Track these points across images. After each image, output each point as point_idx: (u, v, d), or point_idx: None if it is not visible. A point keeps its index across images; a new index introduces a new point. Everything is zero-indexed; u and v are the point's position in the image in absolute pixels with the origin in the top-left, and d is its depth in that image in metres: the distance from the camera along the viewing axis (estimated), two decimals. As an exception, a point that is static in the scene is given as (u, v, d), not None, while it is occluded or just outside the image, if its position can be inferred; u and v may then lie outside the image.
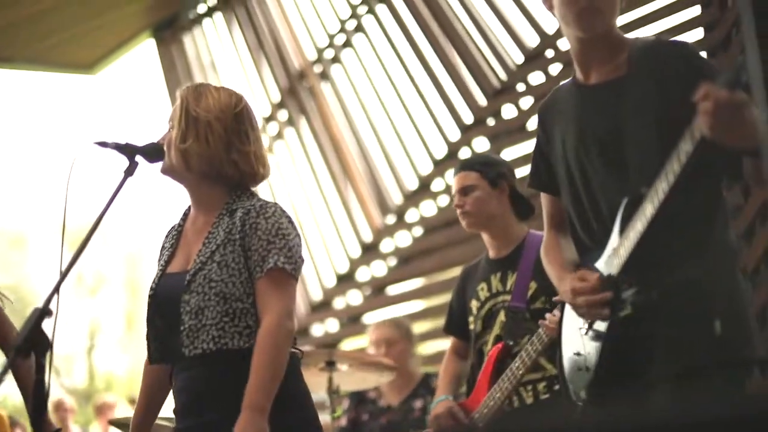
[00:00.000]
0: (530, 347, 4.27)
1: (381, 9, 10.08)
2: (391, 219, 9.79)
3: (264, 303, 3.33)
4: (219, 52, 11.80)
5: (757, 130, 2.54)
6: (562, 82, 3.49)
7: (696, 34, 7.10)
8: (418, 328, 9.12)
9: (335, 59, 10.55)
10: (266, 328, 3.29)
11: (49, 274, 25.03)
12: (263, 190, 9.28)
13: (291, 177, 10.81)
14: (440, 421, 4.62)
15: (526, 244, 4.56)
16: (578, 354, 3.23)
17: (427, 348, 9.65)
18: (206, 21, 11.89)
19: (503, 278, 4.60)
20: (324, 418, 3.70)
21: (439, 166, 9.25)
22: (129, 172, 3.31)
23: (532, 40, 8.70)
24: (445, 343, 10.04)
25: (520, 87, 8.76)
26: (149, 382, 3.63)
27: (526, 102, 8.55)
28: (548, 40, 8.50)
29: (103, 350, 30.60)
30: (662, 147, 2.88)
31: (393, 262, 9.69)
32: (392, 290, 9.71)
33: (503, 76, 8.92)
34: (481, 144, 8.97)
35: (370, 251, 9.91)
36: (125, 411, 11.76)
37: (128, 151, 3.33)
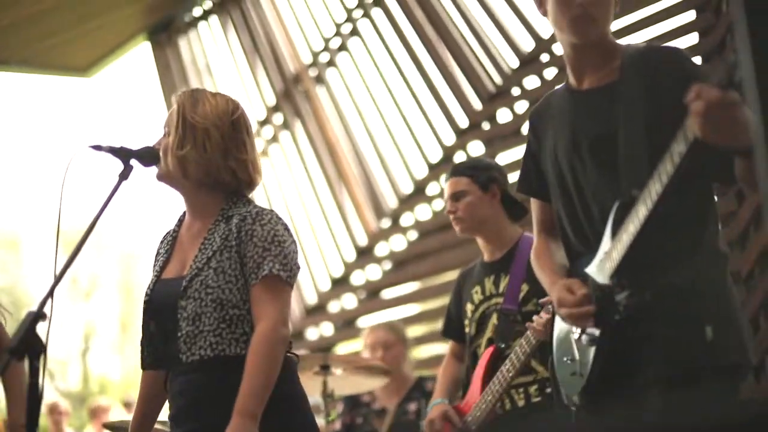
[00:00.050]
0: (519, 350, 4.28)
1: (376, 13, 10.08)
2: (386, 223, 9.79)
3: (258, 310, 3.34)
4: (214, 55, 11.80)
5: (749, 130, 2.56)
6: (555, 88, 3.51)
7: (691, 39, 7.11)
8: (413, 331, 9.12)
9: (330, 63, 10.56)
10: (260, 334, 3.29)
11: (44, 277, 25.06)
12: (258, 195, 9.27)
13: (286, 180, 10.81)
14: (434, 425, 4.63)
15: (520, 247, 4.57)
16: (571, 360, 3.23)
17: (422, 352, 9.66)
18: (202, 24, 11.89)
19: (496, 281, 4.61)
20: (318, 421, 3.70)
21: (434, 170, 9.25)
22: (124, 175, 3.31)
23: (527, 45, 8.71)
24: (439, 347, 10.07)
25: (515, 91, 8.76)
26: (147, 388, 3.63)
27: (521, 106, 8.55)
28: (543, 45, 8.51)
29: (97, 353, 30.59)
30: (654, 152, 2.88)
31: (388, 265, 9.69)
32: (387, 294, 9.71)
33: (498, 80, 8.92)
34: (476, 148, 8.97)
35: (364, 255, 9.92)
36: (119, 414, 11.75)
37: (123, 154, 3.33)
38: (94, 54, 11.97)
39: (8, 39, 10.95)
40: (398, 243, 9.66)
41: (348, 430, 6.50)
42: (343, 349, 9.94)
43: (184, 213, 3.65)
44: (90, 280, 30.44)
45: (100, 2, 10.72)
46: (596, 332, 3.11)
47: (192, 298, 3.35)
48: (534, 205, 3.54)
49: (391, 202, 9.80)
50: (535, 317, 4.09)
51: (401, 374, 6.34)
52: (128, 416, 10.94)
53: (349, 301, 10.02)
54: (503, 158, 8.44)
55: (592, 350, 3.12)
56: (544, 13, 3.28)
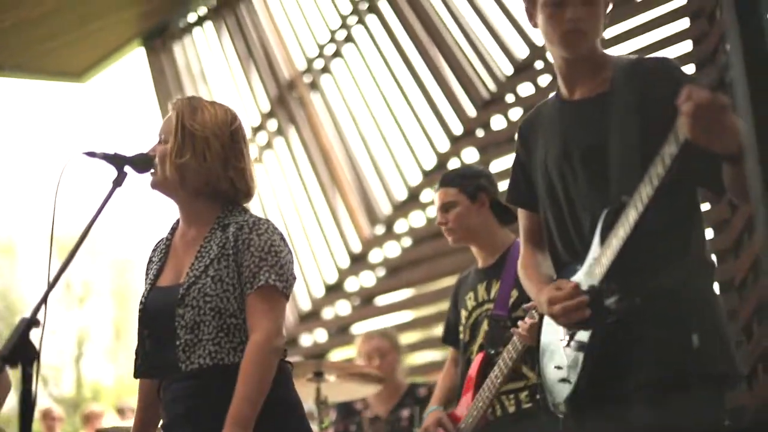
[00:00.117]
0: (506, 355, 4.29)
1: (371, 19, 10.09)
2: (380, 229, 9.79)
3: (253, 320, 3.34)
4: (209, 61, 11.80)
5: (738, 135, 2.59)
6: (545, 99, 3.53)
7: (685, 47, 7.12)
8: (407, 338, 9.13)
9: (325, 69, 10.56)
10: (254, 345, 3.29)
11: (38, 282, 25.01)
12: (252, 201, 9.26)
13: (280, 187, 10.80)
14: (428, 432, 4.64)
15: (511, 252, 4.58)
16: (559, 367, 3.24)
17: (416, 358, 9.66)
18: (196, 30, 11.89)
19: (488, 287, 4.62)
20: (312, 428, 3.70)
21: (428, 177, 9.25)
22: (117, 182, 3.31)
23: (522, 52, 8.72)
24: (433, 354, 10.07)
25: (510, 98, 8.77)
26: (145, 395, 3.62)
27: (516, 113, 8.56)
28: (537, 52, 8.52)
29: (90, 359, 30.56)
30: (645, 162, 2.89)
31: (382, 272, 9.69)
32: (381, 301, 9.71)
33: (492, 87, 8.93)
34: (471, 155, 8.98)
35: (358, 261, 9.91)
36: (113, 420, 11.75)
37: (117, 161, 3.33)
38: (89, 59, 11.96)
39: (2, 44, 10.95)
40: (392, 250, 9.66)
41: (341, 437, 6.50)
42: (336, 355, 9.93)
43: (177, 221, 3.65)
44: (84, 286, 30.42)
45: (94, 7, 10.71)
46: (585, 338, 3.12)
47: (190, 306, 3.35)
48: (522, 215, 3.55)
49: (385, 209, 9.80)
50: (519, 322, 4.09)
51: (394, 381, 6.34)
52: (121, 422, 10.95)
53: (342, 308, 10.02)
54: (497, 165, 8.45)
55: (581, 356, 3.13)
56: (535, 26, 3.30)
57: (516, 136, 3.56)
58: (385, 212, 9.78)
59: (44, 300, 2.93)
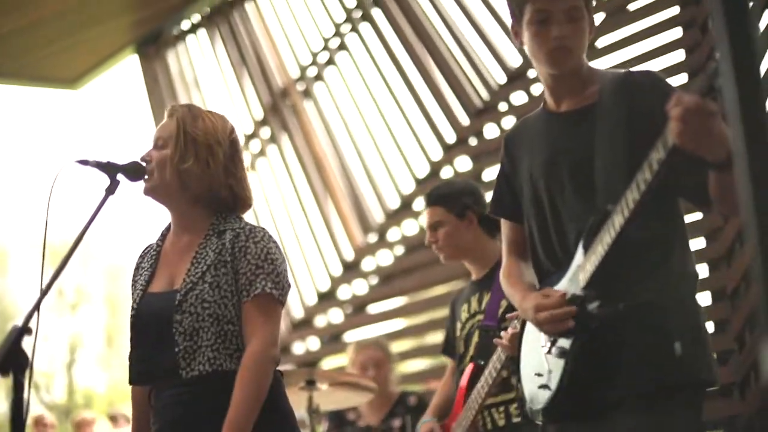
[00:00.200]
0: (491, 366, 4.29)
1: (365, 27, 10.09)
2: (372, 237, 9.78)
3: (249, 328, 3.35)
4: (202, 69, 11.80)
5: (726, 143, 2.63)
6: (530, 113, 3.56)
7: (677, 56, 7.13)
8: (400, 346, 9.13)
9: (318, 77, 10.56)
10: (251, 355, 3.31)
11: (30, 289, 25.00)
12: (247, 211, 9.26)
13: (273, 194, 10.80)
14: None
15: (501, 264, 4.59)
16: (539, 374, 3.25)
17: (408, 367, 9.66)
18: (190, 37, 11.88)
19: (480, 298, 4.64)
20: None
21: (421, 185, 9.24)
22: (110, 190, 3.32)
23: (515, 60, 8.72)
24: (426, 362, 10.07)
25: (503, 107, 8.77)
26: (139, 403, 3.62)
27: (509, 122, 8.55)
28: (530, 61, 8.50)
29: (83, 366, 30.53)
30: (630, 173, 2.91)
31: (374, 280, 9.69)
32: (373, 309, 9.70)
33: (485, 95, 8.93)
34: (463, 163, 8.98)
35: (351, 269, 9.91)
36: (104, 427, 11.73)
37: (109, 169, 3.34)
38: (82, 66, 11.95)
39: (-4, 51, 10.96)
40: (385, 258, 9.65)
41: (333, 446, 6.51)
42: (329, 363, 9.93)
43: (167, 227, 3.66)
44: (76, 293, 30.40)
45: (88, 15, 10.71)
46: (567, 344, 3.13)
47: (188, 313, 3.35)
48: (505, 226, 3.57)
49: (377, 217, 9.79)
50: (502, 333, 4.09)
51: (386, 391, 6.35)
52: (114, 430, 10.91)
53: (335, 316, 10.01)
54: (490, 174, 8.45)
55: (562, 362, 3.14)
56: (521, 44, 3.35)
57: (501, 148, 3.58)
58: (377, 220, 9.78)
59: (36, 307, 2.93)
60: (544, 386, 3.21)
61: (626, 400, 3.07)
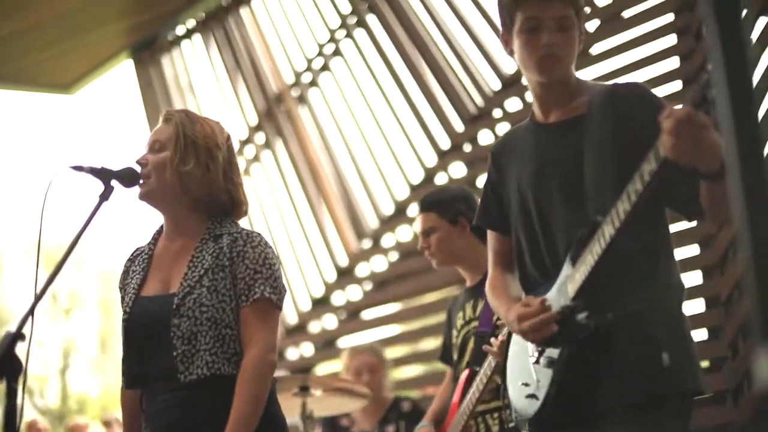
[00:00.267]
0: (482, 373, 4.29)
1: (359, 33, 10.10)
2: (366, 243, 9.79)
3: (249, 334, 3.36)
4: (197, 74, 11.80)
5: (718, 153, 2.64)
6: (517, 124, 3.58)
7: (672, 63, 7.14)
8: (394, 352, 9.13)
9: (313, 83, 10.56)
10: (250, 361, 3.32)
11: (24, 294, 24.97)
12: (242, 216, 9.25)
13: (267, 200, 10.80)
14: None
15: None
16: (526, 384, 3.26)
17: (402, 372, 9.66)
18: (185, 42, 11.88)
19: (474, 305, 4.64)
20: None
21: (416, 191, 9.24)
22: (104, 196, 3.32)
23: (509, 67, 8.74)
24: (420, 368, 10.07)
25: (497, 113, 8.78)
26: (131, 407, 3.61)
27: (503, 128, 8.55)
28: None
29: (76, 371, 30.48)
30: (620, 185, 2.93)
31: (368, 286, 9.69)
32: (367, 315, 9.70)
33: (480, 102, 8.94)
34: (458, 169, 8.99)
35: (345, 275, 9.91)
36: (98, 433, 11.71)
37: (104, 175, 3.34)
38: (77, 71, 11.95)
39: (-9, 56, 10.96)
40: (379, 264, 9.66)
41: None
42: (322, 369, 9.92)
43: (158, 231, 3.66)
44: (70, 298, 30.36)
45: (83, 20, 10.71)
46: (555, 354, 3.13)
47: (186, 317, 3.35)
48: (491, 237, 3.58)
49: (372, 223, 9.80)
50: (492, 340, 4.09)
51: (380, 396, 6.35)
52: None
53: (329, 322, 10.01)
54: (484, 180, 8.43)
55: (551, 372, 3.14)
56: (511, 53, 3.36)
57: (489, 159, 3.59)
58: (372, 226, 9.78)
59: (30, 313, 2.93)
60: (532, 396, 3.22)
61: (615, 410, 3.08)
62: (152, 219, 3.72)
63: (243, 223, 3.67)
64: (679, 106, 2.63)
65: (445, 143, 9.16)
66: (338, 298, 9.95)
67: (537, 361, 3.20)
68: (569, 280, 3.10)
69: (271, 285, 3.40)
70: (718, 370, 6.05)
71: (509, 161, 3.46)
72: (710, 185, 2.83)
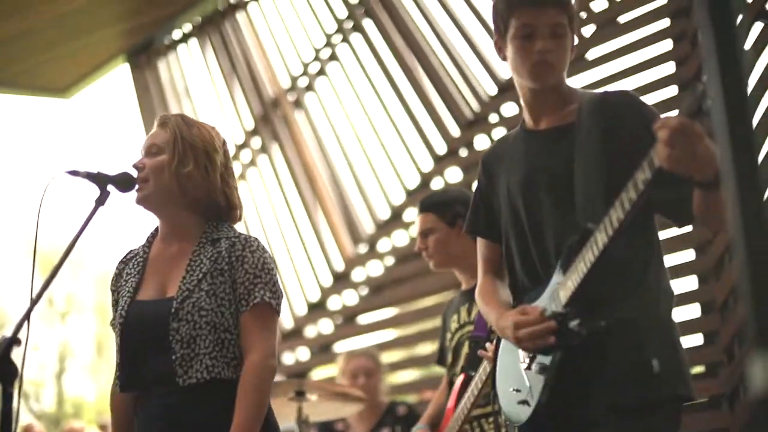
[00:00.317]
0: (477, 377, 4.30)
1: (355, 38, 10.11)
2: (362, 248, 9.79)
3: (249, 339, 3.37)
4: (193, 78, 11.80)
5: (712, 162, 2.66)
6: (507, 132, 3.61)
7: (668, 68, 7.15)
8: (390, 357, 9.13)
9: (309, 87, 10.57)
10: (252, 367, 3.33)
11: (20, 298, 24.95)
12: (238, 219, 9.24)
13: (263, 204, 10.80)
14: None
15: None
16: (518, 390, 3.27)
17: (398, 377, 9.66)
18: (181, 47, 11.89)
19: (469, 309, 4.64)
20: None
21: (412, 196, 9.25)
22: (100, 201, 3.33)
23: (505, 72, 8.73)
24: (415, 373, 10.07)
25: (493, 118, 8.78)
26: (121, 409, 3.61)
27: (499, 133, 8.55)
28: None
29: (72, 375, 30.46)
30: (610, 192, 2.96)
31: (364, 291, 9.68)
32: (363, 319, 9.70)
33: (476, 106, 8.94)
34: (454, 174, 8.99)
35: (341, 280, 9.91)
36: (94, 437, 11.71)
37: (100, 180, 3.35)
38: (74, 75, 11.95)
39: (-13, 60, 10.96)
40: (375, 268, 9.66)
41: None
42: (318, 374, 9.92)
43: (153, 234, 3.66)
44: (66, 302, 30.35)
45: (79, 24, 10.71)
46: (547, 361, 3.14)
47: (185, 321, 3.35)
48: (480, 244, 3.60)
49: (368, 228, 9.80)
50: (487, 344, 4.10)
51: (375, 401, 6.35)
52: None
53: (325, 326, 10.01)
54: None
55: (543, 378, 3.15)
56: (504, 58, 3.39)
57: (479, 167, 3.61)
58: (368, 231, 9.78)
59: (26, 317, 2.93)
60: (524, 402, 3.23)
61: (607, 417, 3.10)
62: (148, 222, 3.73)
63: (239, 227, 3.68)
64: (674, 116, 2.65)
65: (442, 148, 9.16)
66: (334, 303, 9.95)
67: (529, 367, 3.21)
68: (561, 287, 3.12)
69: (270, 290, 3.41)
70: (714, 375, 6.05)
71: (499, 168, 3.48)
72: (704, 193, 2.85)
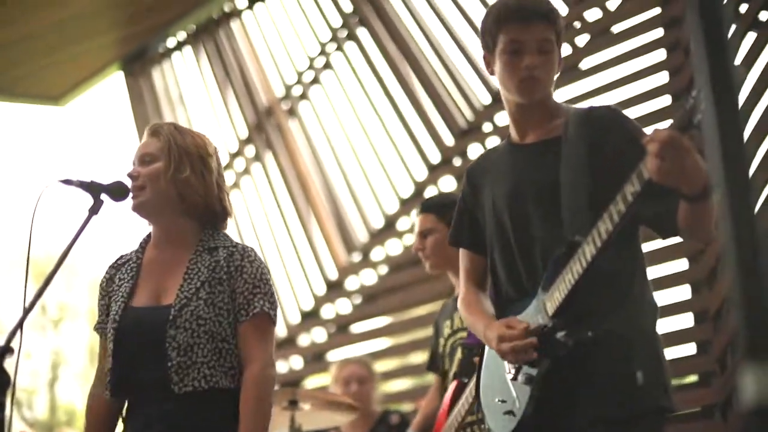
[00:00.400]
0: (471, 384, 4.30)
1: (350, 47, 10.11)
2: (356, 257, 9.79)
3: (249, 349, 3.39)
4: (187, 87, 11.79)
5: (701, 175, 2.71)
6: (493, 146, 3.64)
7: (661, 78, 7.16)
8: (383, 366, 9.12)
9: (303, 96, 10.57)
10: (253, 378, 3.34)
11: (13, 306, 24.93)
12: (229, 227, 9.24)
13: (257, 213, 10.80)
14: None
15: None
16: (503, 400, 3.28)
17: (392, 386, 9.66)
18: (175, 55, 11.88)
19: (462, 314, 4.64)
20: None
21: (406, 205, 9.25)
22: (94, 210, 3.33)
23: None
24: (409, 382, 10.07)
25: (487, 127, 8.79)
26: (97, 412, 3.58)
27: (493, 142, 8.56)
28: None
29: (65, 383, 30.39)
30: (596, 206, 2.99)
31: (358, 299, 9.68)
32: (357, 328, 9.70)
33: (470, 116, 8.95)
34: (448, 183, 8.99)
35: (335, 289, 9.90)
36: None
37: (93, 189, 3.35)
38: (68, 83, 11.93)
39: (-20, 67, 10.95)
40: (368, 277, 9.66)
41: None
42: (312, 382, 9.92)
43: (145, 239, 3.66)
44: (59, 309, 30.29)
45: (73, 31, 10.70)
46: (533, 372, 3.16)
47: (183, 328, 3.36)
48: (464, 256, 3.62)
49: (361, 237, 9.80)
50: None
51: (368, 410, 6.35)
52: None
53: (318, 335, 10.00)
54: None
55: (529, 389, 3.17)
56: (492, 73, 3.42)
57: (463, 179, 3.63)
58: (361, 240, 9.78)
59: (19, 326, 2.93)
60: (509, 412, 3.25)
61: (593, 427, 3.12)
62: (140, 231, 3.72)
63: (233, 235, 3.70)
64: (664, 129, 2.68)
65: (435, 157, 9.17)
66: (327, 311, 9.95)
67: (515, 378, 3.23)
68: (548, 299, 3.14)
69: (268, 300, 3.44)
70: (707, 384, 6.06)
71: (484, 181, 3.51)
72: (691, 206, 2.89)
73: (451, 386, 4.56)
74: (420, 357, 8.81)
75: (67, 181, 3.34)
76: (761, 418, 1.28)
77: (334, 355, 9.53)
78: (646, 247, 5.79)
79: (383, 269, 9.48)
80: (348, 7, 10.11)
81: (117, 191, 3.44)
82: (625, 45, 7.56)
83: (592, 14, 7.91)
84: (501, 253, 3.39)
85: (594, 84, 7.64)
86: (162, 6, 10.78)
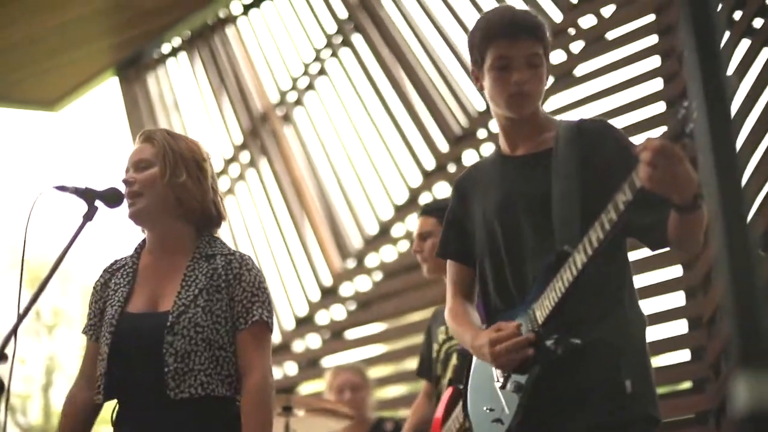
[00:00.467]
0: None
1: (345, 53, 10.12)
2: (351, 263, 9.79)
3: (248, 358, 3.38)
4: (182, 93, 11.79)
5: (694, 183, 2.73)
6: (481, 158, 3.65)
7: (656, 85, 7.18)
8: (378, 372, 9.11)
9: (298, 102, 10.57)
10: (253, 387, 3.34)
11: (7, 312, 24.88)
12: (224, 233, 9.25)
13: (251, 219, 10.80)
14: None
15: None
16: (491, 409, 3.28)
17: (386, 392, 9.64)
18: (170, 61, 11.88)
19: (458, 320, 4.64)
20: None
21: (400, 212, 9.26)
22: (88, 216, 3.33)
23: (494, 88, 8.74)
24: (403, 388, 10.06)
25: (482, 133, 8.80)
26: (79, 416, 3.57)
27: (488, 148, 8.57)
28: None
29: (59, 388, 30.35)
30: (586, 218, 3.01)
31: (352, 306, 9.68)
32: (351, 334, 9.69)
33: (465, 122, 8.96)
34: (442, 189, 9.00)
35: (329, 295, 9.90)
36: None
37: (88, 195, 3.35)
38: (62, 88, 11.93)
39: (-25, 73, 10.94)
40: (363, 283, 9.66)
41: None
42: (306, 389, 9.91)
43: (140, 245, 3.65)
44: (53, 314, 30.25)
45: (68, 37, 10.70)
46: (522, 379, 3.16)
47: (180, 335, 3.35)
48: (451, 267, 3.61)
49: (356, 243, 9.80)
50: None
51: (363, 417, 6.34)
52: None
53: (313, 341, 10.00)
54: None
55: (518, 397, 3.17)
56: (481, 89, 3.44)
57: (452, 190, 3.63)
58: (356, 246, 9.79)
59: (14, 332, 2.93)
60: (498, 420, 3.24)
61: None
62: (135, 237, 3.72)
63: (228, 240, 3.71)
64: (656, 138, 2.69)
65: (430, 163, 9.18)
66: (322, 318, 9.94)
67: (504, 386, 3.23)
68: (537, 307, 3.15)
69: (267, 309, 3.44)
70: (701, 390, 6.07)
71: (473, 192, 3.51)
72: (682, 216, 2.90)
73: (446, 393, 4.55)
74: (414, 363, 8.78)
75: (61, 188, 3.34)
76: (755, 425, 1.28)
77: (328, 362, 9.53)
78: (641, 253, 5.83)
79: (378, 275, 9.48)
80: (343, 14, 10.12)
81: (111, 198, 3.43)
82: (619, 52, 7.57)
83: (587, 21, 7.93)
84: (491, 263, 3.39)
85: (588, 90, 7.66)
86: (157, 12, 10.78)
